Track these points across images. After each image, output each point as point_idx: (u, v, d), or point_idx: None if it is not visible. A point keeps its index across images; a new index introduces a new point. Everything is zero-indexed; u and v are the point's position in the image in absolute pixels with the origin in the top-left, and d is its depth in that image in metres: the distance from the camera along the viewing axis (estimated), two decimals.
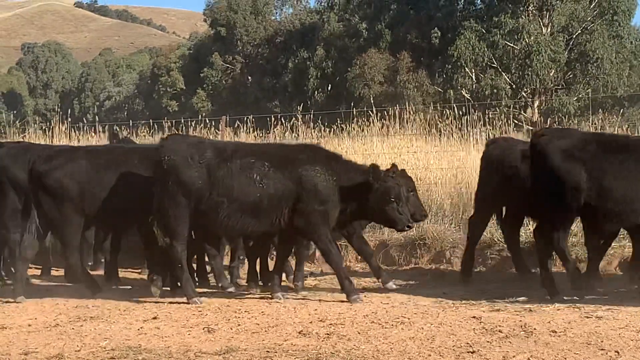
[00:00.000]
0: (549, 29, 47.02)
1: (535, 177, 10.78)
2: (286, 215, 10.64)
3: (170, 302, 10.78)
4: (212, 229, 11.01)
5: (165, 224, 10.71)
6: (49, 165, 11.41)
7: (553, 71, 45.87)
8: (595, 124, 19.57)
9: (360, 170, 10.91)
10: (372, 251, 12.31)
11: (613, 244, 12.47)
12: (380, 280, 11.88)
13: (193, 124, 22.99)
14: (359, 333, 8.76)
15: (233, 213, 10.57)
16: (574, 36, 46.90)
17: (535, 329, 8.71)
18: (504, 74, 46.06)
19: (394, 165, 10.96)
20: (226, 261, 13.37)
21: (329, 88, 48.21)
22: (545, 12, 47.36)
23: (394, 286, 11.68)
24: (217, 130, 22.04)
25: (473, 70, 46.45)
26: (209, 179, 10.53)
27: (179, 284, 11.10)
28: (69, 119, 24.00)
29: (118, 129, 22.53)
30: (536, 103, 45.33)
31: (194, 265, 13.09)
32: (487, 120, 19.43)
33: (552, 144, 10.56)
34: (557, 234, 10.55)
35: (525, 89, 46.30)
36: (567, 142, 10.56)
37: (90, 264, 14.71)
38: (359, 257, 13.60)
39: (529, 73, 45.17)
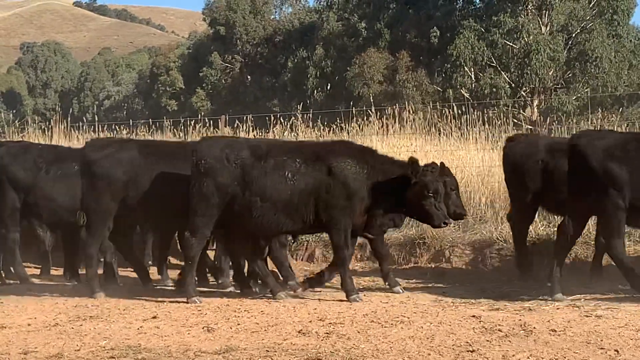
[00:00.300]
0: (548, 28, 47.01)
1: (575, 179, 10.72)
2: (313, 208, 10.60)
3: (170, 302, 10.78)
4: (247, 229, 10.94)
5: (191, 219, 10.68)
6: (100, 153, 11.44)
7: (552, 70, 45.86)
8: (594, 123, 19.58)
9: (397, 163, 10.79)
10: (389, 254, 12.16)
11: None
12: (387, 284, 11.79)
13: (192, 123, 22.98)
14: (358, 332, 8.76)
15: (266, 212, 10.57)
16: (573, 35, 46.89)
17: (534, 328, 8.72)
18: (503, 73, 46.05)
19: (434, 163, 10.83)
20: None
21: (328, 87, 48.23)
22: (544, 11, 47.35)
23: (402, 291, 11.61)
24: (216, 130, 22.04)
25: (472, 70, 46.45)
26: (243, 179, 10.55)
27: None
28: (69, 119, 23.99)
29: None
30: (535, 102, 45.32)
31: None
32: (486, 119, 19.42)
33: (593, 145, 10.52)
34: (614, 239, 10.45)
35: (525, 88, 46.28)
36: (606, 142, 10.53)
37: None
38: (359, 256, 13.60)
39: (528, 72, 45.15)
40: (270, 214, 10.60)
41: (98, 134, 23.60)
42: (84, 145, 12.28)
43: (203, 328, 9.13)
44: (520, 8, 46.97)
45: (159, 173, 11.37)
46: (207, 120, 22.86)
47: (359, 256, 13.65)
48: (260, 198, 10.55)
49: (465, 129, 18.90)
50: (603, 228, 10.82)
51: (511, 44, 46.24)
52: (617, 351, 7.85)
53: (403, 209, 11.02)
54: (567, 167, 10.93)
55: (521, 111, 43.56)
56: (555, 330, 8.62)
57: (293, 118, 21.70)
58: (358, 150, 10.90)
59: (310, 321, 9.36)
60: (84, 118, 27.99)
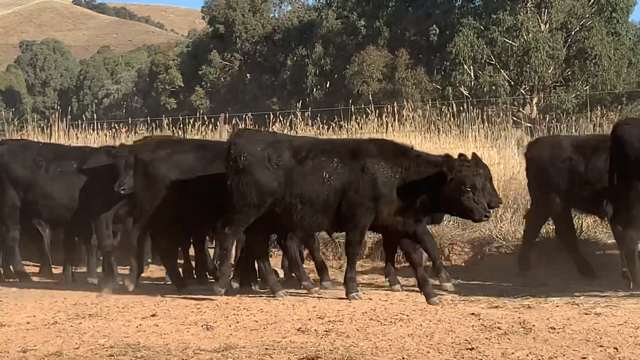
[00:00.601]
0: (547, 26, 47.02)
1: (617, 168, 10.67)
2: (339, 205, 10.53)
3: (169, 300, 10.78)
4: (288, 229, 10.96)
5: (229, 213, 10.63)
6: (154, 154, 11.45)
7: (551, 68, 45.87)
8: (593, 121, 19.58)
9: (432, 162, 10.60)
10: (421, 261, 12.03)
11: None
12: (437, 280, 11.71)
13: (191, 121, 22.97)
14: (357, 330, 8.76)
15: (306, 213, 10.52)
16: (573, 33, 46.89)
17: (534, 325, 8.71)
18: (502, 71, 46.05)
19: (462, 155, 10.68)
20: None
21: (328, 85, 48.22)
22: (543, 9, 47.36)
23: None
24: (215, 128, 22.03)
25: (471, 67, 46.45)
26: (285, 179, 10.49)
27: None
28: (68, 117, 23.97)
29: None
30: (534, 100, 45.34)
31: (193, 263, 13.14)
32: (485, 117, 19.43)
33: (635, 133, 10.49)
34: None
35: (524, 86, 46.29)
36: None
37: None
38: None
39: (527, 70, 45.16)
40: (310, 215, 10.54)
41: (97, 133, 23.59)
42: (140, 145, 12.29)
43: (202, 326, 9.13)
44: (519, 6, 46.98)
45: (214, 174, 11.25)
46: (206, 119, 22.86)
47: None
48: (300, 200, 10.48)
49: (464, 127, 18.91)
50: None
51: (510, 42, 46.25)
52: (617, 349, 7.85)
53: (442, 206, 10.88)
54: (599, 163, 10.95)
55: (520, 109, 43.61)
56: (555, 328, 8.61)
57: (292, 116, 21.69)
58: (392, 151, 10.71)
59: (310, 319, 9.36)
60: (83, 116, 27.98)
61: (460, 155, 10.71)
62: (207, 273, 12.89)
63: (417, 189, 10.48)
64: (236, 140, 10.88)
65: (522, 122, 32.96)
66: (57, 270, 13.78)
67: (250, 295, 11.11)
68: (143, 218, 11.69)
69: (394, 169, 10.50)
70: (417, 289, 10.90)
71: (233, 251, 13.08)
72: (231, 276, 11.57)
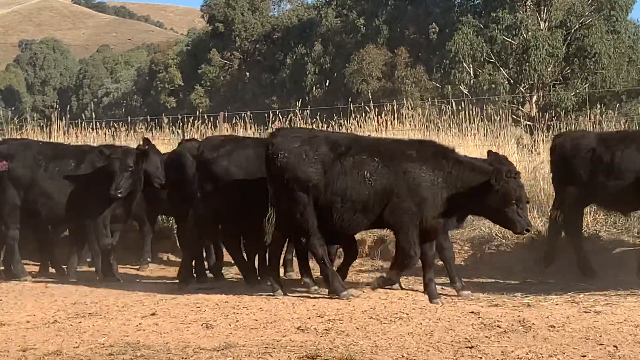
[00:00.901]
0: (546, 24, 46.97)
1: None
2: (381, 208, 10.36)
3: (169, 299, 10.78)
4: (327, 227, 10.73)
5: (296, 226, 10.56)
6: (217, 152, 11.45)
7: (551, 66, 45.82)
8: (592, 119, 19.56)
9: (479, 169, 10.37)
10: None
11: None
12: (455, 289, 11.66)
13: (191, 120, 22.97)
14: (357, 328, 8.76)
15: (347, 211, 10.38)
16: (572, 31, 46.86)
17: (533, 324, 8.72)
18: (502, 69, 46.02)
19: (509, 169, 10.34)
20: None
21: (327, 84, 48.23)
22: (543, 7, 47.33)
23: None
24: (214, 127, 22.05)
25: (471, 66, 46.41)
26: (324, 175, 10.36)
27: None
28: (67, 116, 23.98)
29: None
30: (534, 98, 45.29)
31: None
32: (484, 115, 19.41)
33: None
34: None
35: (523, 84, 46.25)
36: None
37: (88, 260, 14.72)
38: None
39: (527, 68, 45.11)
40: (350, 214, 10.41)
41: (97, 132, 23.61)
42: (200, 143, 12.26)
43: (202, 325, 9.13)
44: (518, 4, 46.97)
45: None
46: (205, 117, 22.86)
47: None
48: (341, 198, 10.35)
49: (464, 125, 18.91)
50: None
51: (510, 40, 46.22)
52: (616, 347, 7.85)
53: (482, 214, 10.81)
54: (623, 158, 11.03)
55: (520, 107, 43.58)
56: (554, 326, 8.62)
57: (292, 115, 21.69)
58: (435, 155, 10.50)
59: (309, 318, 9.36)
60: (82, 115, 27.98)
61: (496, 155, 10.55)
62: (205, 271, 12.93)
63: (460, 195, 10.30)
64: (274, 139, 10.79)
65: (522, 120, 33.02)
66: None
67: (250, 294, 11.10)
68: (203, 215, 11.64)
69: (437, 175, 10.31)
70: (415, 288, 10.90)
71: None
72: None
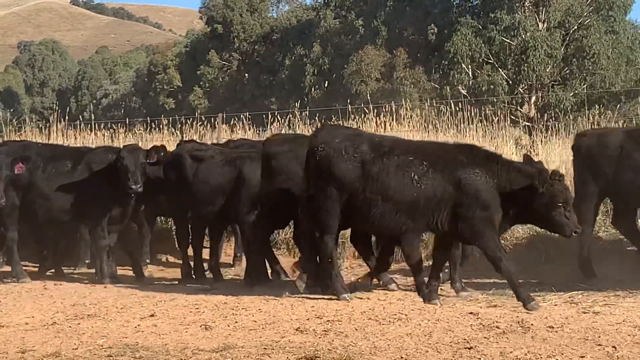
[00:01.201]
0: (545, 25, 46.97)
1: None
2: (445, 218, 10.17)
3: (167, 300, 10.78)
4: (364, 226, 10.73)
5: (316, 217, 10.49)
6: (280, 147, 11.41)
7: (549, 67, 45.81)
8: (591, 119, 19.59)
9: (523, 172, 10.28)
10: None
11: None
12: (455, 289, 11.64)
13: (190, 121, 22.97)
14: (356, 329, 8.76)
15: (387, 212, 10.26)
16: (570, 32, 46.87)
17: (532, 324, 8.72)
18: (500, 70, 46.00)
19: (554, 171, 10.27)
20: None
21: (326, 85, 48.13)
22: (541, 8, 47.32)
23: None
24: (213, 128, 22.05)
25: (469, 66, 46.40)
26: (363, 173, 10.26)
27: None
28: (66, 117, 23.98)
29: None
30: (533, 99, 45.28)
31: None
32: (483, 116, 19.43)
33: None
34: None
35: (522, 85, 46.25)
36: None
37: (87, 261, 14.74)
38: (356, 254, 13.57)
39: (526, 69, 45.10)
40: (392, 215, 10.26)
41: (95, 133, 23.61)
42: (265, 142, 12.27)
43: (201, 326, 9.13)
44: (517, 5, 46.95)
45: None
46: (204, 118, 22.86)
47: (356, 254, 13.61)
48: (382, 197, 10.23)
49: (463, 126, 18.92)
50: None
51: (508, 41, 46.21)
52: (615, 347, 7.86)
53: (530, 217, 10.63)
54: None
55: (518, 108, 43.57)
56: (553, 327, 8.62)
57: (290, 116, 21.70)
58: (485, 159, 10.40)
59: (308, 319, 9.36)
60: (81, 117, 28.01)
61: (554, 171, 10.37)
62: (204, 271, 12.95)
63: (508, 199, 10.17)
64: (317, 133, 10.79)
65: (520, 121, 32.99)
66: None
67: (248, 295, 11.10)
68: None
69: (490, 177, 10.18)
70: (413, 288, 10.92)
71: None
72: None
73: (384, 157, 10.28)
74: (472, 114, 19.50)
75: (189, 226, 13.31)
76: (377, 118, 19.97)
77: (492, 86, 44.80)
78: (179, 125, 23.40)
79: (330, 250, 10.58)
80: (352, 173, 10.27)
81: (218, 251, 13.28)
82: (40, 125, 25.12)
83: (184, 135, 21.88)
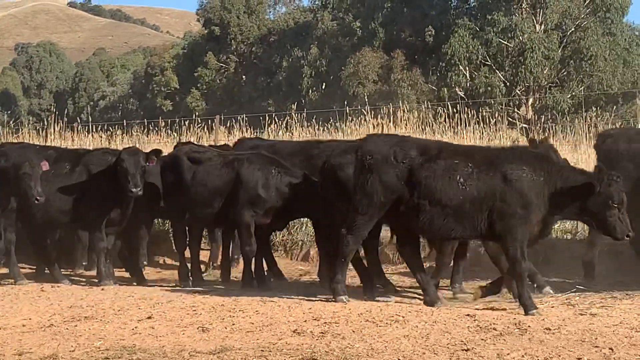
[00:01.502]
0: (542, 27, 47.06)
1: None
2: (487, 217, 10.03)
3: (165, 302, 10.77)
4: (413, 231, 10.61)
5: (351, 215, 10.40)
6: (343, 159, 11.28)
7: (547, 69, 45.92)
8: (588, 121, 19.62)
9: (577, 170, 10.26)
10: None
11: None
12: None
13: (187, 123, 22.98)
14: (353, 332, 8.76)
15: (436, 216, 10.13)
16: (568, 34, 46.96)
17: (529, 326, 8.72)
18: (497, 72, 46.09)
19: (613, 172, 10.09)
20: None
21: (323, 87, 48.12)
22: (538, 10, 47.41)
23: (551, 291, 11.29)
24: (211, 130, 22.05)
25: (467, 68, 46.48)
26: (410, 179, 10.15)
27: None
28: (64, 119, 23.99)
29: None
30: (530, 101, 45.39)
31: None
32: (480, 118, 19.46)
33: None
34: None
35: (519, 87, 46.33)
36: None
37: (84, 264, 14.72)
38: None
39: (523, 71, 45.21)
40: (440, 219, 10.13)
41: (93, 135, 23.62)
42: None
43: (198, 328, 9.12)
44: (514, 7, 47.05)
45: None
46: (201, 120, 22.88)
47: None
48: (429, 201, 10.11)
49: (460, 128, 18.95)
50: None
51: (506, 43, 46.29)
52: (612, 349, 7.87)
53: (581, 218, 10.56)
54: None
55: (516, 110, 43.65)
56: (550, 329, 8.62)
57: (288, 118, 21.73)
58: (534, 156, 10.33)
59: (305, 321, 9.35)
60: (78, 119, 28.00)
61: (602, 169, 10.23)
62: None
63: (559, 198, 10.01)
64: (364, 142, 10.72)
65: (518, 122, 33.03)
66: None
67: (245, 297, 11.10)
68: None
69: (538, 174, 10.02)
70: (412, 290, 10.92)
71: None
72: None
73: (430, 161, 10.16)
74: (470, 115, 19.53)
75: (186, 228, 13.29)
76: (375, 120, 20.00)
77: (489, 88, 44.91)
78: (177, 127, 23.41)
79: (349, 251, 10.52)
80: (398, 180, 10.16)
81: (228, 253, 13.35)
82: (37, 128, 25.12)
83: (181, 137, 21.88)
